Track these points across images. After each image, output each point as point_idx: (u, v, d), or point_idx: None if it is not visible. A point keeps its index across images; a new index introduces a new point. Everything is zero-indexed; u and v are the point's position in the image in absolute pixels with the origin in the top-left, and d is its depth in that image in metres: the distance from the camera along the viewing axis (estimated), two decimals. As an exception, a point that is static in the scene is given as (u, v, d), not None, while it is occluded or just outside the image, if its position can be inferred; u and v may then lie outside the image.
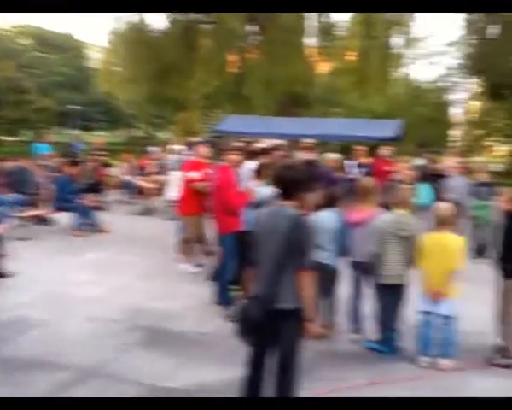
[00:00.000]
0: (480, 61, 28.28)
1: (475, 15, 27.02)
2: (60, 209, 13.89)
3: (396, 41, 26.21)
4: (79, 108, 42.99)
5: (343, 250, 7.34)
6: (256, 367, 4.81)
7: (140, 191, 17.86)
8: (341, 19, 28.78)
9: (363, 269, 7.29)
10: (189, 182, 10.22)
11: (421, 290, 6.80)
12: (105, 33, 65.80)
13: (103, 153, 19.16)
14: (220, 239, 8.69)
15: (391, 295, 7.01)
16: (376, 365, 6.69)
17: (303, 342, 4.79)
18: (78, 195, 14.23)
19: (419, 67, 79.90)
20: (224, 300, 8.28)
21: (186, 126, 42.05)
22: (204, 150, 10.41)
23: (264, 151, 11.33)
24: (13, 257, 9.96)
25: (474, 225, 12.48)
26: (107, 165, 19.28)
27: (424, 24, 72.66)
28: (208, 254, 10.35)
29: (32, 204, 14.16)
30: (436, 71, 74.82)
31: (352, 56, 26.98)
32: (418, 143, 25.88)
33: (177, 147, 22.28)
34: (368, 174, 12.61)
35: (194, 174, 10.19)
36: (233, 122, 22.77)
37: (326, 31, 27.08)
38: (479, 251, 12.05)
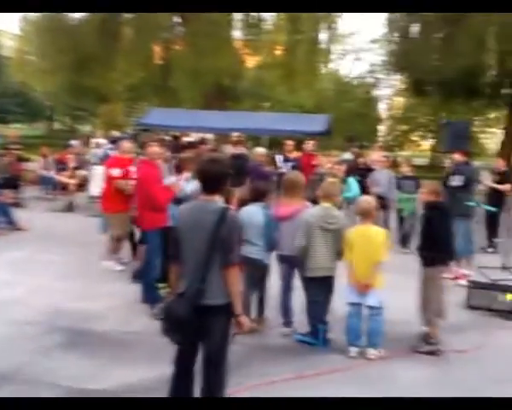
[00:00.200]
0: (402, 59, 28.80)
1: (397, 14, 27.52)
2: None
3: (323, 36, 26.42)
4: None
5: (271, 244, 7.33)
6: (184, 365, 4.75)
7: (62, 187, 17.32)
8: (268, 12, 28.80)
9: (292, 263, 7.31)
10: (111, 179, 10.04)
11: (348, 282, 6.88)
12: (16, 20, 62.02)
13: (18, 146, 18.37)
14: (145, 236, 8.56)
15: (319, 287, 7.06)
16: (307, 357, 6.73)
17: (233, 338, 4.77)
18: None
19: (346, 62, 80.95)
20: (149, 298, 8.10)
21: (109, 119, 41.32)
22: (128, 146, 10.26)
23: (190, 145, 11.29)
24: None
25: (398, 218, 12.76)
26: (23, 159, 18.53)
27: (351, 20, 73.71)
28: (134, 251, 10.18)
29: None
30: (363, 67, 76.03)
31: (279, 50, 27.03)
32: (346, 138, 26.17)
33: (100, 141, 21.90)
34: (295, 168, 12.69)
35: (116, 171, 10.01)
36: (158, 115, 22.50)
37: (253, 24, 27.02)
38: (403, 242, 12.34)
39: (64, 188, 17.07)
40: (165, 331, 4.60)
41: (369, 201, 7.11)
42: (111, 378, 5.97)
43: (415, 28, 27.74)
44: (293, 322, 7.46)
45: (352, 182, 12.55)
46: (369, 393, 5.80)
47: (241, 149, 15.20)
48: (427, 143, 51.36)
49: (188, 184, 8.41)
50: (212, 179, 4.64)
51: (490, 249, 13.05)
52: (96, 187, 14.48)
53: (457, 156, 10.75)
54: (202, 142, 12.11)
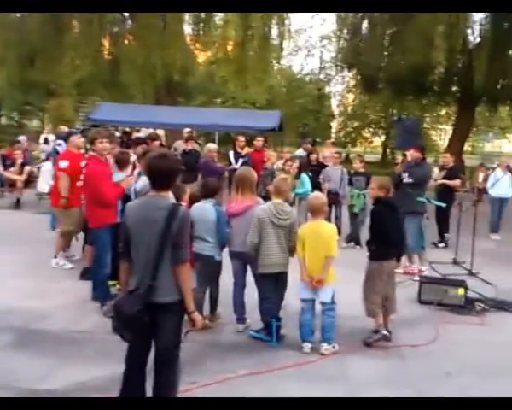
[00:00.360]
0: (352, 56, 29.04)
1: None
2: None
3: (275, 32, 26.37)
4: None
5: (223, 241, 7.28)
6: (136, 363, 4.70)
7: (10, 184, 16.88)
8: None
9: (244, 259, 7.27)
10: (58, 170, 9.91)
11: (300, 278, 6.87)
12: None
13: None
14: (93, 233, 8.42)
15: (272, 284, 7.04)
16: (261, 354, 6.70)
17: (186, 335, 4.73)
18: None
19: (298, 59, 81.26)
20: (100, 296, 7.97)
21: (58, 114, 40.69)
22: (78, 141, 10.10)
23: (140, 141, 11.15)
24: None
25: (350, 213, 12.84)
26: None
27: (302, 16, 73.96)
28: (84, 248, 10.00)
29: None
30: (314, 64, 76.47)
31: (230, 46, 26.94)
32: (299, 134, 26.31)
33: (48, 136, 21.57)
34: (246, 164, 12.66)
35: (64, 163, 9.89)
36: (108, 110, 22.25)
37: (204, 19, 26.85)
38: (355, 238, 12.41)
39: (11, 185, 16.64)
40: (116, 329, 4.54)
41: (319, 197, 7.13)
42: (62, 378, 5.85)
43: (364, 25, 27.96)
44: (247, 318, 7.44)
45: (305, 178, 12.60)
46: (323, 388, 5.83)
47: (192, 145, 15.12)
48: (378, 140, 51.96)
49: (138, 180, 8.29)
50: (162, 175, 4.59)
51: (441, 245, 13.23)
52: (45, 183, 14.27)
53: (412, 152, 10.77)
54: (153, 137, 11.93)
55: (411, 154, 10.80)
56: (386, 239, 7.21)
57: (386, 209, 7.38)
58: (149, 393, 4.71)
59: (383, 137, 49.29)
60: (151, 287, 4.43)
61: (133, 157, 9.78)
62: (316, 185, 12.50)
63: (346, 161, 24.20)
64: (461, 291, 8.68)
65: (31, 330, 7.17)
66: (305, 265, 6.79)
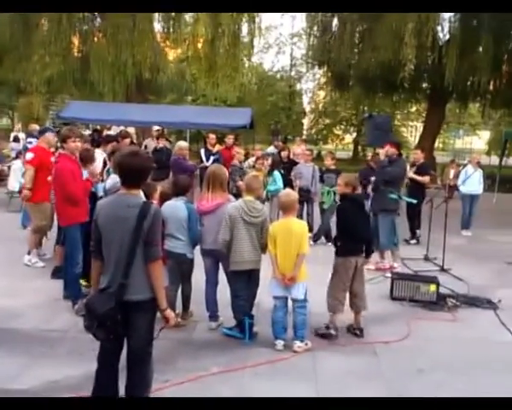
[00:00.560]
0: (322, 53, 29.11)
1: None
2: None
3: (245, 30, 26.31)
4: None
5: (195, 239, 7.24)
6: (108, 361, 4.69)
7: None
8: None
9: (216, 256, 7.25)
10: (25, 163, 9.85)
11: (272, 275, 6.85)
12: None
13: None
14: (64, 231, 8.36)
15: (244, 281, 7.02)
16: (233, 351, 6.68)
17: (159, 333, 4.72)
18: None
19: (269, 56, 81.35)
20: (72, 294, 7.90)
21: (28, 112, 40.22)
22: (52, 139, 10.02)
23: (110, 139, 11.07)
24: None
25: (320, 210, 12.85)
26: None
27: (273, 13, 74.17)
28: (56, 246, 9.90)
29: None
30: (285, 61, 76.61)
31: (200, 43, 26.80)
32: (270, 131, 26.32)
33: (18, 134, 21.38)
34: (217, 162, 12.63)
35: (29, 155, 9.88)
36: (77, 108, 22.04)
37: (173, 17, 26.69)
38: (326, 234, 12.42)
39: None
40: (88, 328, 4.51)
41: (289, 194, 7.10)
42: (34, 378, 5.79)
43: (334, 23, 28.04)
44: (220, 316, 7.42)
45: (277, 176, 12.60)
46: (296, 385, 5.84)
47: (163, 143, 15.05)
48: (350, 137, 52.20)
49: (107, 178, 8.22)
50: (133, 173, 4.55)
51: (412, 241, 13.31)
52: (15, 182, 14.14)
53: (388, 148, 10.72)
54: (124, 135, 11.85)
55: (387, 150, 10.74)
56: (351, 235, 7.26)
57: (353, 206, 7.40)
58: (122, 391, 4.69)
59: (354, 135, 49.52)
60: (123, 285, 4.41)
61: (103, 155, 9.70)
62: (287, 182, 12.49)
63: (318, 159, 24.28)
64: (433, 287, 8.72)
65: (2, 329, 7.08)
66: (277, 262, 6.77)
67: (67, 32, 25.10)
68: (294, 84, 49.29)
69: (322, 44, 28.71)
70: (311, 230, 11.81)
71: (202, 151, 15.40)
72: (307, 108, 53.49)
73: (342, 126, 50.77)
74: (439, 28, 25.72)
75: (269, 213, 9.29)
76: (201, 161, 14.92)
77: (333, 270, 7.34)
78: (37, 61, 26.10)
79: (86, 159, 8.51)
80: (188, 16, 26.94)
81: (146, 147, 15.19)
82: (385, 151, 10.82)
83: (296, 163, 13.50)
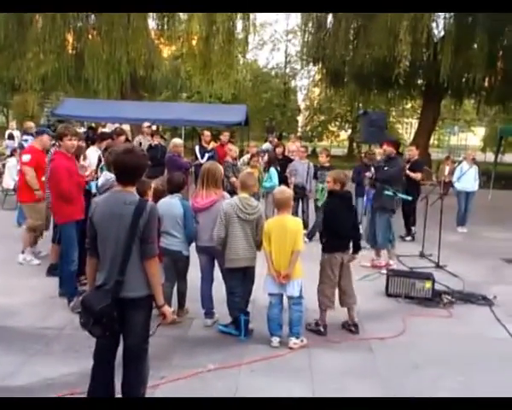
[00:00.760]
0: (317, 50, 29.06)
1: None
2: None
3: (240, 26, 26.26)
4: None
5: (191, 236, 7.24)
6: (105, 358, 4.68)
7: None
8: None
9: (211, 254, 7.25)
10: (21, 164, 9.85)
11: (267, 273, 6.85)
12: None
13: None
14: (59, 229, 8.37)
15: (240, 278, 7.02)
16: (229, 348, 6.68)
17: (156, 329, 4.73)
18: None
19: (264, 53, 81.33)
20: (67, 291, 7.90)
21: (22, 110, 40.10)
22: (47, 141, 10.00)
23: (105, 136, 11.05)
24: None
25: (315, 207, 12.85)
26: None
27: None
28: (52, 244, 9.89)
29: None
30: (280, 58, 76.67)
31: (195, 40, 26.75)
32: (266, 128, 26.29)
33: (13, 132, 21.33)
34: (212, 159, 12.62)
35: (26, 157, 9.84)
36: (72, 105, 22.07)
37: (168, 14, 26.62)
38: (319, 231, 12.41)
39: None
40: (83, 325, 4.50)
41: (283, 191, 7.07)
42: (30, 375, 5.79)
43: (329, 19, 28.01)
44: (215, 313, 7.42)
45: (273, 172, 12.61)
46: (292, 382, 5.84)
47: (157, 140, 15.02)
48: (345, 134, 52.22)
49: (105, 174, 8.20)
50: (129, 170, 4.54)
51: (408, 238, 13.31)
52: (10, 179, 14.13)
53: (386, 147, 10.68)
54: (119, 133, 11.83)
55: (384, 149, 10.70)
56: (336, 232, 7.28)
57: (341, 203, 7.42)
58: (118, 388, 4.68)
59: (349, 131, 49.54)
60: (119, 282, 4.41)
61: (98, 152, 9.68)
62: (282, 179, 12.49)
63: (313, 155, 24.27)
64: (428, 284, 8.73)
65: (-2, 326, 7.09)
66: (272, 259, 6.76)
67: (62, 30, 25.04)
68: (289, 81, 49.34)
69: (317, 41, 28.67)
70: (306, 227, 11.82)
71: (197, 148, 15.40)
72: (302, 104, 53.53)
73: (337, 123, 50.78)
74: (433, 25, 25.79)
75: (264, 210, 9.29)
76: (196, 158, 14.92)
77: (320, 267, 7.36)
78: (31, 59, 26.06)
79: (77, 156, 8.51)
80: (182, 13, 26.85)
81: (141, 144, 15.13)
82: (382, 151, 10.78)
83: (291, 160, 13.49)
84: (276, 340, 6.78)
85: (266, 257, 6.81)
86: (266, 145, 17.40)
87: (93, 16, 26.68)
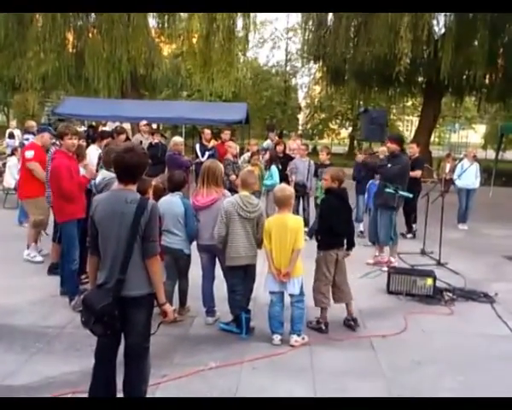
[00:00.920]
0: (317, 47, 29.04)
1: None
2: None
3: (240, 24, 26.24)
4: None
5: (192, 234, 7.23)
6: (106, 357, 4.67)
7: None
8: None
9: (212, 252, 7.25)
10: (25, 161, 9.88)
11: (268, 271, 6.85)
12: None
13: None
14: (60, 228, 8.36)
15: (240, 276, 7.02)
16: (231, 346, 6.67)
17: (158, 327, 4.72)
18: None
19: (264, 51, 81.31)
20: (69, 290, 7.89)
21: (23, 109, 40.12)
22: (48, 140, 10.00)
23: (105, 134, 11.05)
24: None
25: (315, 205, 12.83)
26: None
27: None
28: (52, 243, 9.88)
29: None
30: (281, 56, 76.68)
31: (195, 38, 26.75)
32: (266, 126, 26.24)
33: (14, 131, 21.34)
34: (213, 157, 12.61)
35: (30, 153, 9.86)
36: (73, 104, 22.09)
37: (168, 12, 26.63)
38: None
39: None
40: (85, 324, 4.49)
41: (283, 189, 7.04)
42: (32, 374, 5.78)
43: (329, 17, 27.99)
44: (216, 311, 7.42)
45: (275, 170, 12.61)
46: (293, 380, 5.83)
47: (158, 139, 15.01)
48: (345, 132, 52.19)
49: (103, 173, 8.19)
50: (129, 169, 4.53)
51: (409, 235, 13.30)
52: (11, 178, 14.14)
53: (389, 145, 10.62)
54: (119, 131, 11.84)
55: (388, 146, 10.65)
56: (332, 229, 7.27)
57: (337, 201, 7.40)
58: (120, 386, 4.67)
59: (350, 129, 49.49)
60: (120, 281, 4.40)
61: (98, 151, 9.68)
62: (283, 177, 12.48)
63: (314, 153, 24.25)
64: (429, 281, 8.72)
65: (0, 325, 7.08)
66: (272, 257, 6.76)
67: (62, 29, 25.06)
68: (290, 79, 49.29)
69: (318, 39, 28.68)
70: (306, 225, 11.80)
71: (197, 146, 15.39)
72: (302, 102, 53.52)
73: (338, 121, 50.75)
74: (434, 22, 25.77)
75: (265, 208, 9.28)
76: (197, 157, 14.91)
77: (315, 264, 7.35)
78: (31, 58, 26.06)
79: (78, 155, 8.51)
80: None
81: (141, 142, 15.13)
82: (385, 149, 10.72)
83: (292, 158, 13.47)
84: (277, 338, 6.77)
85: (267, 255, 6.81)
86: (267, 143, 17.38)
87: (93, 15, 26.70)
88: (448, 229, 11.92)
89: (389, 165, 10.36)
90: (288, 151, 14.28)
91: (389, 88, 31.74)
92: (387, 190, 10.03)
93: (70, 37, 27.43)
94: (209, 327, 7.25)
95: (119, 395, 4.70)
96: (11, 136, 21.07)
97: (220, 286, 7.38)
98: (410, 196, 10.64)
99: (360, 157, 13.15)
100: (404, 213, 13.16)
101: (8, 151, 18.14)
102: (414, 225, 13.39)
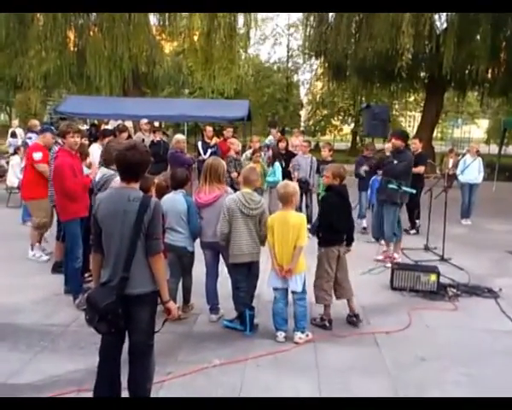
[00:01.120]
0: (319, 43, 28.99)
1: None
2: None
3: (241, 21, 26.22)
4: None
5: (195, 232, 7.23)
6: (110, 355, 4.68)
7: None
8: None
9: (215, 249, 7.25)
10: (33, 163, 9.85)
11: (271, 267, 6.85)
12: None
13: None
14: (63, 226, 8.36)
15: (244, 273, 7.02)
16: (235, 343, 6.66)
17: (163, 325, 4.72)
18: None
19: (266, 47, 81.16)
20: (73, 288, 7.92)
21: (25, 108, 40.14)
22: (50, 139, 10.00)
23: (107, 133, 11.06)
24: None
25: (318, 201, 12.80)
26: None
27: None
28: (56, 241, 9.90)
29: None
30: (282, 52, 76.63)
31: (196, 36, 26.72)
32: (268, 123, 26.24)
33: (16, 130, 21.36)
34: (215, 155, 12.61)
35: (38, 155, 9.83)
36: (75, 103, 22.08)
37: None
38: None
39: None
40: (89, 322, 4.49)
41: (286, 186, 7.01)
42: (37, 372, 5.79)
43: (331, 13, 27.91)
44: (220, 308, 7.42)
45: (278, 168, 12.60)
46: (298, 376, 5.83)
47: (159, 136, 15.01)
48: (348, 128, 52.14)
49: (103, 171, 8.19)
50: (132, 167, 4.53)
51: (412, 231, 13.28)
52: (14, 177, 14.15)
53: (394, 141, 10.56)
54: (121, 129, 11.86)
55: (393, 142, 10.59)
56: (334, 226, 7.27)
57: (339, 197, 7.39)
58: (125, 384, 4.68)
59: (352, 125, 49.44)
60: (124, 278, 4.40)
61: (101, 149, 9.67)
62: (286, 174, 12.47)
63: (316, 150, 24.25)
64: (433, 277, 8.71)
65: (3, 324, 7.09)
66: (275, 254, 6.76)
67: (63, 27, 25.06)
68: (291, 76, 49.26)
69: (319, 35, 28.61)
70: (309, 221, 11.80)
71: (199, 144, 15.40)
72: (304, 99, 53.51)
73: (340, 117, 50.70)
74: (436, 17, 25.64)
75: (268, 205, 9.26)
76: (199, 154, 14.91)
77: (317, 261, 7.34)
78: (33, 57, 26.07)
79: (81, 153, 8.52)
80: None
81: (143, 140, 15.15)
82: (390, 145, 10.66)
83: (294, 155, 13.46)
84: (281, 335, 6.77)
85: (270, 251, 6.82)
86: (269, 139, 17.38)
87: (94, 13, 26.66)
88: (451, 224, 11.91)
89: (395, 161, 10.31)
90: (290, 148, 14.26)
91: (391, 83, 31.67)
92: (391, 186, 10.01)
93: (71, 35, 27.42)
94: (213, 324, 7.25)
95: (124, 393, 4.70)
96: (13, 135, 21.10)
97: (224, 283, 7.38)
98: (414, 191, 10.62)
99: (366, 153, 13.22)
100: (407, 209, 13.12)
101: (11, 150, 18.14)
102: (417, 221, 13.37)
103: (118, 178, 5.01)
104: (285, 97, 45.95)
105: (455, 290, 8.75)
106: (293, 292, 6.82)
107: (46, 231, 10.23)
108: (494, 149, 32.71)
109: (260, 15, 33.68)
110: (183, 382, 5.61)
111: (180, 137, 13.86)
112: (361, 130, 39.34)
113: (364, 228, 12.90)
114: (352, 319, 7.38)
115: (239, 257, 6.89)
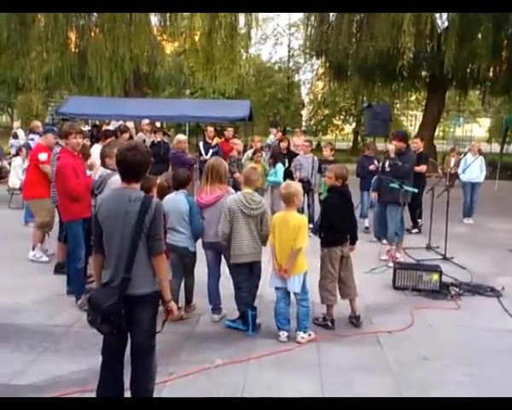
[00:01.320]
0: (320, 43, 28.98)
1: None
2: None
3: (242, 21, 26.21)
4: None
5: (197, 232, 7.23)
6: (113, 355, 4.67)
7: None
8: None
9: (217, 249, 7.23)
10: (38, 163, 9.86)
11: (272, 267, 6.84)
12: None
13: None
14: (66, 227, 8.38)
15: (246, 273, 7.01)
16: (237, 343, 6.66)
17: (163, 325, 4.70)
18: None
19: (267, 47, 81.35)
20: (75, 289, 7.91)
21: (27, 109, 40.18)
22: (52, 140, 10.02)
23: (108, 133, 11.06)
24: None
25: (319, 201, 12.80)
26: None
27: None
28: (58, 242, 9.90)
29: None
30: (283, 52, 76.68)
31: (197, 36, 26.73)
32: (270, 123, 26.21)
33: (18, 131, 21.40)
34: (216, 155, 12.61)
35: (44, 156, 9.85)
36: (76, 104, 22.09)
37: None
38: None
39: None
40: (91, 322, 4.49)
41: (287, 186, 6.99)
42: (39, 373, 5.79)
43: (331, 12, 27.89)
44: (222, 308, 7.42)
45: (280, 168, 12.60)
46: (300, 376, 5.83)
47: (160, 137, 15.01)
48: (349, 127, 52.13)
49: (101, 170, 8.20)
50: (133, 167, 4.52)
51: (414, 230, 13.26)
52: (16, 178, 14.16)
53: (396, 143, 10.54)
54: (123, 130, 11.88)
55: (395, 144, 10.55)
56: (336, 227, 7.25)
57: (340, 198, 7.37)
58: (127, 385, 4.68)
59: (354, 125, 49.44)
60: (125, 279, 4.40)
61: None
62: (287, 174, 12.46)
63: (317, 149, 24.24)
64: (435, 276, 8.70)
65: (6, 324, 7.09)
66: (275, 253, 6.75)
67: (64, 28, 25.07)
68: (293, 75, 49.31)
69: (320, 35, 28.61)
70: (312, 221, 11.79)
71: (201, 144, 15.38)
72: (306, 98, 53.53)
73: (341, 117, 50.71)
74: (437, 15, 25.61)
75: (270, 205, 9.26)
76: (200, 155, 14.91)
77: (320, 261, 7.33)
78: (34, 58, 26.07)
79: (83, 154, 8.53)
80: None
81: (144, 141, 15.17)
82: (393, 147, 10.63)
83: (296, 154, 13.45)
84: (283, 334, 6.77)
85: (271, 251, 6.82)
86: (270, 138, 17.39)
87: (95, 14, 26.67)
88: (453, 223, 11.90)
89: (399, 163, 10.29)
90: (292, 148, 14.26)
91: (392, 83, 31.65)
92: (392, 185, 10.00)
93: (72, 36, 27.41)
94: (215, 324, 7.25)
95: (127, 393, 4.70)
96: (15, 136, 21.13)
97: (226, 284, 7.37)
98: (416, 190, 10.61)
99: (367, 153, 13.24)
100: (409, 208, 13.10)
101: (13, 151, 18.17)
102: (419, 220, 13.36)
103: (115, 177, 5.01)
104: (286, 97, 45.99)
105: (457, 289, 8.75)
106: (294, 293, 6.81)
107: (50, 230, 10.23)
108: (496, 147, 32.69)
109: (261, 15, 33.68)
110: (186, 382, 5.61)
111: (181, 137, 13.87)
112: (362, 129, 39.28)
113: (367, 228, 12.90)
114: (352, 321, 7.37)
115: (240, 257, 6.88)
